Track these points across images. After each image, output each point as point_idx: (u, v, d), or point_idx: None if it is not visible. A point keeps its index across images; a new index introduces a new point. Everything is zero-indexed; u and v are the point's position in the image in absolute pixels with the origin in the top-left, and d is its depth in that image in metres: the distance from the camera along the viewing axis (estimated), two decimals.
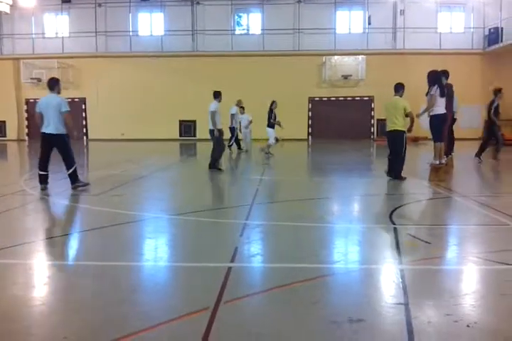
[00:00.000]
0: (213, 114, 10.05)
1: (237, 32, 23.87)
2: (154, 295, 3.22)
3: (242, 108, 16.26)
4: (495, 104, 11.46)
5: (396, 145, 8.53)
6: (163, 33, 23.46)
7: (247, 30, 24.05)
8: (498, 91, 11.56)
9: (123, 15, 23.41)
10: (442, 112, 8.48)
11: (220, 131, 10.36)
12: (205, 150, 19.04)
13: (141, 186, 8.58)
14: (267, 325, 2.75)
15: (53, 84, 7.58)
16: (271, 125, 14.02)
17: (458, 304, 3.04)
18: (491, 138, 11.74)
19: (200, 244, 4.48)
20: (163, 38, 23.21)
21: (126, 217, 5.62)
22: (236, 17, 23.95)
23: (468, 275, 3.75)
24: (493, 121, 11.48)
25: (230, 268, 3.66)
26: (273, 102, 14.06)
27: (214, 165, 10.21)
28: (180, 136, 23.78)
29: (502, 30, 21.30)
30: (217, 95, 10.42)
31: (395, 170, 8.58)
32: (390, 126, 8.65)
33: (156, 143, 21.44)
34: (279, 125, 14.14)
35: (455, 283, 3.54)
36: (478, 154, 11.78)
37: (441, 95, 8.46)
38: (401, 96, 8.66)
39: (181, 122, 23.77)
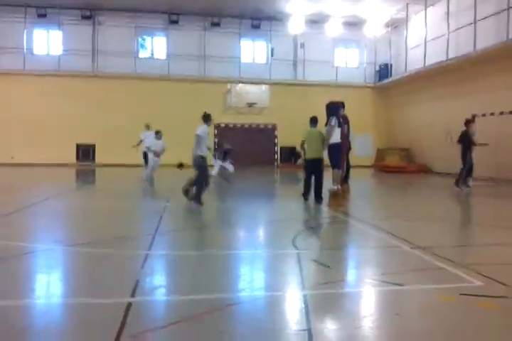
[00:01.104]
0: (198, 137, 8.76)
1: (140, 55, 23.57)
2: (47, 335, 2.95)
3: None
4: (474, 134, 12.12)
5: (320, 171, 9.22)
6: (60, 51, 22.42)
7: (152, 53, 23.86)
8: (470, 122, 12.37)
9: (17, 31, 22.07)
10: (338, 141, 9.05)
11: (204, 159, 8.97)
12: (104, 175, 18.35)
13: (33, 215, 7.92)
14: None
15: None
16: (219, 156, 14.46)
17: (358, 327, 3.15)
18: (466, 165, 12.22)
19: (98, 278, 4.20)
20: (60, 57, 22.18)
21: (15, 249, 5.12)
22: (140, 40, 23.70)
23: (366, 297, 3.92)
24: (471, 147, 12.08)
25: (130, 303, 3.46)
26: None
27: (197, 197, 8.76)
28: (78, 160, 22.57)
29: (391, 66, 23.48)
30: (207, 118, 8.98)
31: (318, 193, 9.10)
32: (312, 154, 9.24)
33: (51, 168, 20.13)
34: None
35: (354, 305, 3.68)
36: (457, 183, 12.19)
37: (338, 125, 9.05)
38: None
39: (79, 146, 22.63)
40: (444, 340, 2.97)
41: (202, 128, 8.86)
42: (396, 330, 3.12)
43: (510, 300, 3.62)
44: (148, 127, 17.23)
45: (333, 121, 9.03)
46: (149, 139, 14.58)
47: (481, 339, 2.98)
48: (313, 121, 9.39)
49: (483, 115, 12.77)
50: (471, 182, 12.22)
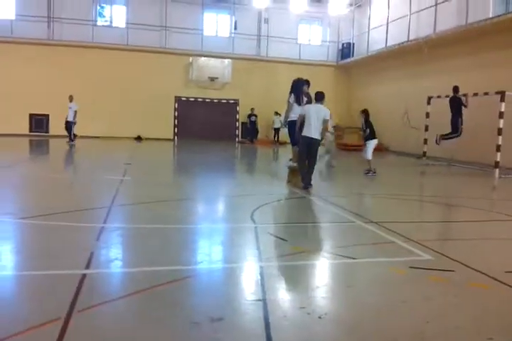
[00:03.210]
0: (326, 122, 8.05)
1: (99, 23, 22.56)
2: None
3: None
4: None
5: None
6: (14, 17, 21.13)
7: (110, 22, 22.87)
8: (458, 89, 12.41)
9: None
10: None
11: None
12: (59, 147, 17.72)
13: None
14: (124, 330, 2.63)
15: None
16: None
17: (311, 297, 3.25)
18: None
19: (51, 251, 4.10)
20: (13, 23, 20.91)
21: None
22: (98, 7, 22.65)
23: (319, 269, 4.03)
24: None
25: (84, 275, 3.41)
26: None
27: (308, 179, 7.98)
28: (31, 131, 21.65)
29: (353, 46, 23.57)
30: (322, 97, 8.20)
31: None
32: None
33: (1, 138, 19.25)
34: None
35: (308, 277, 3.78)
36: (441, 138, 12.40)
37: (298, 103, 8.96)
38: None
39: (32, 116, 21.67)
40: (391, 311, 3.10)
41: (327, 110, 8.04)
42: (347, 302, 3.24)
43: (457, 273, 3.81)
44: (71, 98, 17.40)
45: (291, 98, 9.00)
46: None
47: (427, 309, 3.13)
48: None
49: (439, 97, 13.06)
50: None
